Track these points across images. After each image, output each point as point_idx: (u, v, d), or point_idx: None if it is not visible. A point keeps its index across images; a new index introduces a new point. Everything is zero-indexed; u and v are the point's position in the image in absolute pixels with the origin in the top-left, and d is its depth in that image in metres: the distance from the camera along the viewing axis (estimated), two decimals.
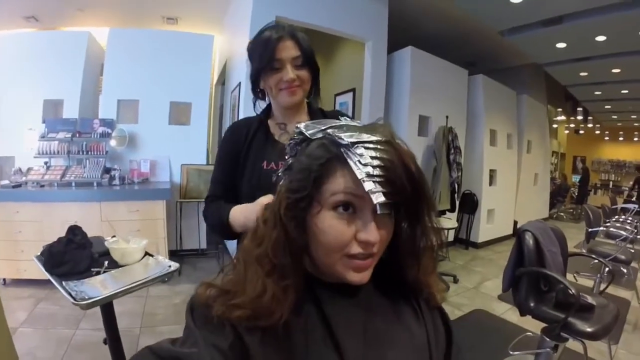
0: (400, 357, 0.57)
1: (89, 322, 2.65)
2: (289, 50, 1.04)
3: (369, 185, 0.48)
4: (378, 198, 0.48)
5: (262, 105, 1.20)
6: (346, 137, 0.51)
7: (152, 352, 0.49)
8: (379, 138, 0.52)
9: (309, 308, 0.55)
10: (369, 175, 0.49)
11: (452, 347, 0.65)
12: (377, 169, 0.49)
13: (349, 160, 0.51)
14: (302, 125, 0.58)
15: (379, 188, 0.49)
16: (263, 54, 1.04)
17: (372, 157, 0.49)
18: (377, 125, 0.56)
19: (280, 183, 0.59)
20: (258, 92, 1.16)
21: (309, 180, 0.52)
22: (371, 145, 0.51)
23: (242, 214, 0.98)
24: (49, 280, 3.00)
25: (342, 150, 0.52)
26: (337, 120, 0.58)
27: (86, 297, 1.10)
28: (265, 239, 0.54)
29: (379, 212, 0.50)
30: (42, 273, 3.00)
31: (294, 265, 0.53)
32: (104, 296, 1.13)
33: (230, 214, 1.00)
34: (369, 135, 0.51)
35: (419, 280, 0.63)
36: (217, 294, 0.53)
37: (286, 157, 0.61)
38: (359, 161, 0.49)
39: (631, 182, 11.34)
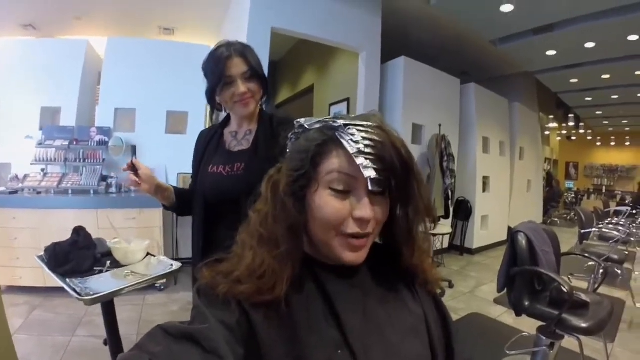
0: (399, 334, 0.59)
1: (85, 329, 2.63)
2: (237, 66, 1.15)
3: (360, 161, 0.53)
4: (369, 172, 0.53)
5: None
6: (340, 121, 0.57)
7: (163, 330, 0.51)
8: (371, 123, 0.57)
9: (310, 286, 0.58)
10: (360, 152, 0.54)
11: (451, 328, 0.68)
12: (368, 147, 0.54)
13: (342, 140, 0.55)
14: (302, 120, 0.63)
15: (370, 164, 0.53)
16: (215, 71, 1.17)
17: (364, 138, 0.54)
18: (370, 115, 0.61)
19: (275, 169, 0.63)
20: (215, 105, 1.28)
21: (307, 159, 0.57)
22: (362, 128, 0.56)
23: None
24: (44, 288, 3.04)
25: (336, 133, 0.57)
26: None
27: (91, 293, 1.12)
28: (256, 215, 0.60)
29: (370, 188, 0.54)
30: (37, 280, 3.07)
31: (289, 237, 0.56)
32: (110, 291, 1.14)
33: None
34: (361, 121, 0.57)
35: (414, 266, 0.67)
36: (221, 276, 0.56)
37: (287, 151, 0.65)
38: (351, 140, 0.55)
39: None
